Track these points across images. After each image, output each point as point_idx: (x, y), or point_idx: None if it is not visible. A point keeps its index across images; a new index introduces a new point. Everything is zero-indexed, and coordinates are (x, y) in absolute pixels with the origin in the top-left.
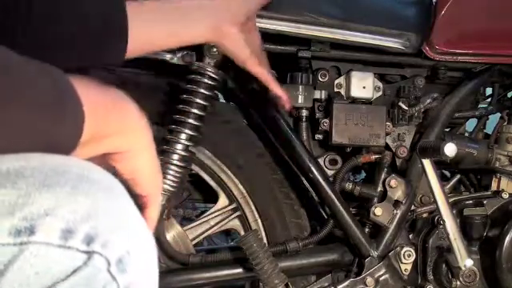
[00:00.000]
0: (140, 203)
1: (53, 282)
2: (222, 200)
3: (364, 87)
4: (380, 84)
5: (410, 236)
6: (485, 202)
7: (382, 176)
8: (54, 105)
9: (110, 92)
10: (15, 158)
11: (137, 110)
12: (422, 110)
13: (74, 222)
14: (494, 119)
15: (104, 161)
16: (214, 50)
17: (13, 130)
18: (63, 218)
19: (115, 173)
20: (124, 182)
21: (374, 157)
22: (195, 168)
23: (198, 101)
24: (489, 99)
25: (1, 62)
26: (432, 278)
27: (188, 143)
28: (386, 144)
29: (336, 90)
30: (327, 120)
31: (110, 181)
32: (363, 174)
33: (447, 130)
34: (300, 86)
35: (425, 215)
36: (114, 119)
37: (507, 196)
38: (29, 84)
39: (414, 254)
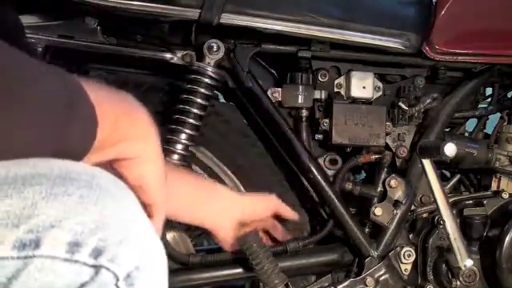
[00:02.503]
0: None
1: None
2: None
3: (364, 87)
4: (380, 84)
5: (410, 236)
6: (485, 202)
7: (382, 176)
8: (66, 107)
9: (122, 97)
10: (23, 164)
11: (147, 117)
12: (422, 110)
13: (81, 235)
14: (494, 119)
15: (111, 167)
16: (215, 49)
17: (24, 133)
18: (70, 230)
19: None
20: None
21: (373, 157)
22: (195, 168)
23: (198, 101)
24: (489, 99)
25: (12, 64)
26: (432, 278)
27: (188, 143)
28: (386, 144)
29: (336, 90)
30: (327, 120)
31: (120, 189)
32: (363, 174)
33: (447, 129)
34: (300, 86)
35: (425, 215)
36: (125, 125)
37: (507, 196)
38: (40, 86)
39: (413, 253)
